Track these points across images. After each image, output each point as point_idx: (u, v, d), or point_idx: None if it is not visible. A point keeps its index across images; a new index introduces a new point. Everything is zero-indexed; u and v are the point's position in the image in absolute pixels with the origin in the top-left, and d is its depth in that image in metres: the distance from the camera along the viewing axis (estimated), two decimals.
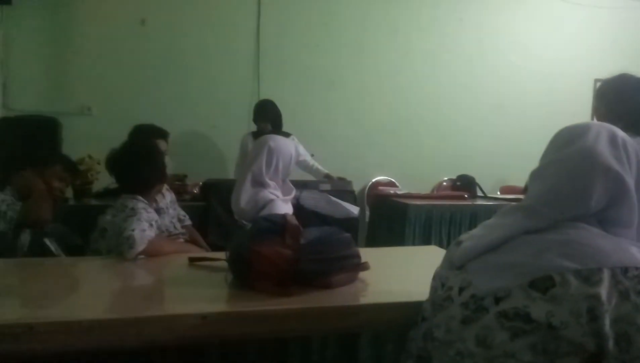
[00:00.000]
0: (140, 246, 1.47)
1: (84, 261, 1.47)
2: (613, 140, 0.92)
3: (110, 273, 1.40)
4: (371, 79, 4.50)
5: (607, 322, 0.75)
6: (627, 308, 0.76)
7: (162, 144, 2.41)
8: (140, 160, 1.85)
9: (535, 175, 0.99)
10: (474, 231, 1.02)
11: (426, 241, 3.17)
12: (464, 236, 1.04)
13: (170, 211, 2.39)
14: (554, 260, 0.81)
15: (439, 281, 1.02)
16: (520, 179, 4.34)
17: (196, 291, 1.20)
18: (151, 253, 1.50)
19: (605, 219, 0.88)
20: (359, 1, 4.42)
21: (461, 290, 0.92)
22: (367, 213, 4.14)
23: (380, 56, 4.51)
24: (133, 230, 1.48)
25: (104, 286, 1.34)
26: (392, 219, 3.38)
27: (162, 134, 2.45)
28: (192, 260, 1.48)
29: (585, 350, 0.75)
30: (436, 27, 4.64)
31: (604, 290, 0.76)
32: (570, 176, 0.90)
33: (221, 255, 1.41)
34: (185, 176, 3.10)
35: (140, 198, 1.75)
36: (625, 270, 0.78)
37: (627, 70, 2.11)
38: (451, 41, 4.68)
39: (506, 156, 4.80)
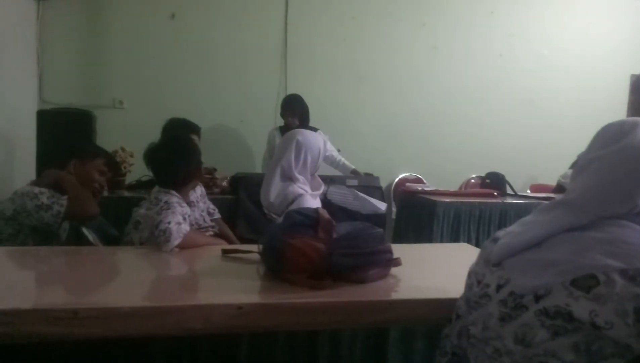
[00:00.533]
0: (177, 240, 1.50)
1: (121, 250, 1.51)
2: None
3: (147, 262, 1.43)
4: (399, 74, 4.46)
5: None
6: None
7: (194, 139, 2.44)
8: (177, 156, 1.88)
9: (578, 171, 0.96)
10: (511, 228, 1.00)
11: (454, 239, 3.13)
12: (500, 233, 1.03)
13: (200, 204, 2.42)
14: (598, 258, 0.79)
15: (475, 278, 1.01)
16: (550, 178, 4.25)
17: (231, 282, 1.23)
18: (185, 245, 1.53)
19: None
20: None
21: (499, 287, 0.91)
22: (394, 209, 4.11)
23: (409, 50, 4.46)
24: (169, 223, 1.51)
25: (141, 275, 1.37)
26: (419, 216, 3.35)
27: (194, 128, 2.48)
28: (225, 252, 1.50)
29: (631, 351, 0.73)
30: (466, 20, 4.56)
31: None
32: (615, 174, 0.88)
33: (253, 247, 1.43)
34: (215, 169, 3.13)
35: (174, 192, 1.78)
36: None
37: None
38: (481, 35, 4.59)
39: (537, 154, 4.70)
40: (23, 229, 1.87)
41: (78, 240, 1.72)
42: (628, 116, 2.14)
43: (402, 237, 3.53)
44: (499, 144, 4.64)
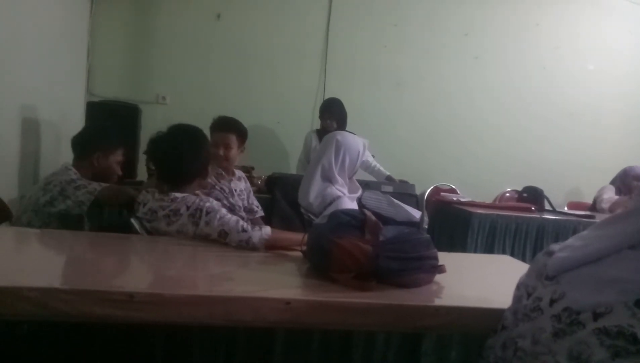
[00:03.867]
0: (261, 244, 1.53)
1: (166, 240, 1.55)
2: None
3: (193, 253, 1.46)
4: (438, 82, 4.43)
5: None
6: None
7: (221, 137, 2.42)
8: (179, 151, 1.70)
9: None
10: (569, 242, 0.98)
11: (489, 252, 3.08)
12: (555, 247, 1.01)
13: (237, 198, 2.45)
14: None
15: (524, 290, 0.99)
16: (590, 195, 4.13)
17: (277, 277, 1.24)
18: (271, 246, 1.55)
19: None
20: (430, 3, 4.36)
21: (552, 301, 0.89)
22: (426, 218, 4.07)
23: (449, 59, 4.43)
24: (243, 231, 1.52)
25: (189, 265, 1.41)
26: (454, 226, 3.31)
27: (222, 126, 2.45)
28: (268, 248, 1.53)
29: None
30: (510, 31, 4.49)
31: None
32: None
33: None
34: (252, 168, 3.18)
35: (180, 194, 1.66)
36: None
37: None
38: (526, 46, 4.52)
39: (576, 169, 4.59)
40: (52, 221, 1.95)
41: (125, 230, 1.77)
42: None
43: (435, 247, 3.49)
44: (538, 157, 4.55)
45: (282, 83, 4.20)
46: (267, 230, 1.56)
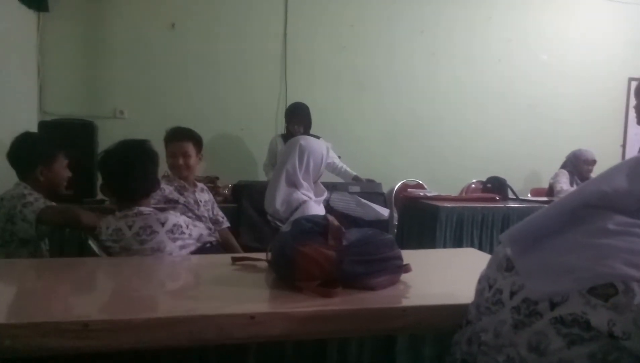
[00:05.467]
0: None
1: (126, 262, 1.50)
2: None
3: (153, 272, 1.42)
4: (399, 80, 4.48)
5: None
6: None
7: (179, 146, 2.39)
8: (129, 166, 1.68)
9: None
10: None
11: (457, 244, 3.13)
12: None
13: (202, 209, 2.41)
14: (617, 267, 0.78)
15: (486, 283, 1.00)
16: (548, 180, 4.27)
17: (241, 291, 1.22)
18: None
19: None
20: (386, 2, 4.41)
21: (512, 293, 0.90)
22: (395, 215, 4.11)
23: (408, 57, 4.48)
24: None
25: (150, 285, 1.36)
26: (422, 221, 3.35)
27: (180, 135, 2.41)
28: (234, 260, 1.50)
29: None
30: (464, 27, 4.59)
31: None
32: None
33: (261, 255, 1.42)
34: (217, 178, 3.13)
35: (149, 209, 1.65)
36: None
37: None
38: (479, 41, 4.62)
39: (537, 157, 4.72)
40: (14, 240, 1.89)
41: (83, 251, 1.71)
42: (637, 118, 2.15)
43: (404, 243, 3.52)
44: (499, 148, 4.66)
45: (243, 89, 4.16)
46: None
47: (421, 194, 3.71)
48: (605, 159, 3.92)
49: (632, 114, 4.12)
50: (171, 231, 1.54)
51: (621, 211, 0.88)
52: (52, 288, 1.27)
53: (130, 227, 1.57)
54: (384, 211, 3.05)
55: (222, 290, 1.25)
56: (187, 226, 1.57)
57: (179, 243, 1.54)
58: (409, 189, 4.14)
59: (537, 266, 0.89)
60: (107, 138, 3.51)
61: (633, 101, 2.18)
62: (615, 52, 4.89)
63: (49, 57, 3.81)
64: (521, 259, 0.93)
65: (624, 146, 5.05)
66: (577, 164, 4.00)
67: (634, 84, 4.83)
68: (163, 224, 1.56)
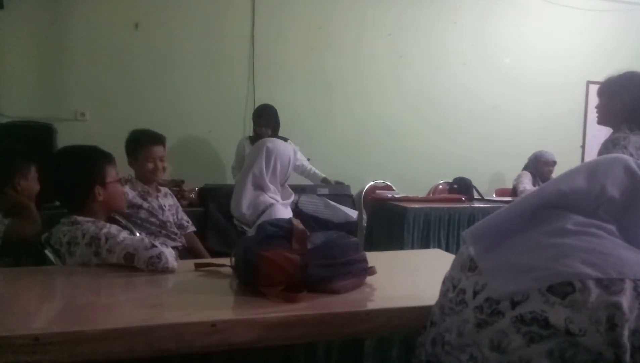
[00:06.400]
0: (173, 258, 1.44)
1: (83, 271, 1.44)
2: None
3: (111, 280, 1.37)
4: (367, 82, 4.51)
5: (626, 332, 0.73)
6: None
7: (159, 150, 2.38)
8: (56, 168, 1.63)
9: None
10: None
11: (425, 244, 3.17)
12: None
13: (167, 214, 2.36)
14: (575, 265, 0.80)
15: (450, 284, 1.01)
16: (512, 180, 4.37)
17: (203, 299, 1.19)
18: None
19: (626, 228, 0.88)
20: (354, 5, 4.43)
21: (475, 293, 0.90)
22: (364, 216, 4.13)
23: (376, 59, 4.52)
24: (152, 247, 1.42)
25: (107, 294, 1.31)
26: (390, 222, 3.38)
27: (158, 139, 2.41)
28: (197, 266, 1.46)
29: (603, 359, 0.74)
30: (431, 30, 4.66)
31: (625, 300, 0.75)
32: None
33: (226, 260, 1.39)
34: (182, 181, 3.07)
35: (82, 218, 1.55)
36: None
37: (618, 72, 2.16)
38: (446, 44, 4.70)
39: (501, 158, 4.83)
40: None
41: (40, 262, 1.64)
42: (597, 118, 2.23)
43: (373, 244, 3.54)
44: (465, 150, 4.75)
45: (210, 91, 4.10)
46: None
47: (389, 195, 3.75)
48: (566, 160, 4.06)
49: (591, 115, 4.28)
50: (89, 244, 1.47)
51: (579, 211, 0.90)
52: (1, 300, 1.21)
53: (64, 235, 1.52)
54: (353, 213, 3.06)
55: (183, 297, 1.21)
56: (107, 240, 1.46)
57: (102, 257, 1.46)
58: (377, 191, 4.17)
59: (499, 266, 0.90)
60: (67, 141, 3.40)
61: (595, 101, 2.26)
62: (574, 57, 5.07)
63: (5, 56, 3.65)
64: (484, 259, 0.94)
65: (583, 146, 5.23)
66: (538, 166, 4.12)
67: (592, 87, 5.02)
68: (84, 235, 1.48)
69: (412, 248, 3.12)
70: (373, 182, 4.55)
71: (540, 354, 0.77)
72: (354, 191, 4.26)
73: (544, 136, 4.80)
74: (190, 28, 4.02)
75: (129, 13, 3.89)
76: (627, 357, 0.73)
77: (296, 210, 2.94)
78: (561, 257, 0.83)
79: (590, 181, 0.92)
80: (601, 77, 2.25)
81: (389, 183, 4.56)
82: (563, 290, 0.78)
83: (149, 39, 3.93)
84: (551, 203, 0.93)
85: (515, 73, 4.92)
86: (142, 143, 2.34)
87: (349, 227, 3.02)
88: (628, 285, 0.77)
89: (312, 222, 2.92)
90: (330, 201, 3.06)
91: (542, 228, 0.91)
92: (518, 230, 0.93)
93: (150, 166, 2.34)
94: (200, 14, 4.04)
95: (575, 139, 5.23)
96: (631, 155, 1.92)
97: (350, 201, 3.31)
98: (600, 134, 2.16)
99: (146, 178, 2.36)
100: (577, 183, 0.93)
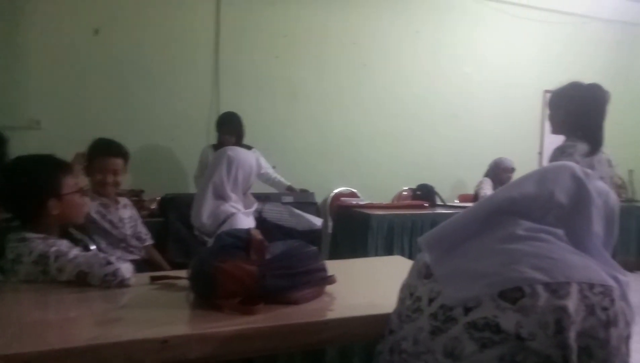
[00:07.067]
0: (130, 274, 1.39)
1: (35, 286, 1.37)
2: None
3: (60, 297, 1.31)
4: (332, 90, 4.53)
5: (572, 334, 0.75)
6: (592, 322, 0.77)
7: (113, 163, 2.26)
8: (7, 179, 1.53)
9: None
10: None
11: (389, 251, 3.19)
12: None
13: (126, 226, 2.29)
14: (524, 271, 0.81)
15: (407, 291, 1.01)
16: (473, 186, 4.48)
17: (156, 314, 1.15)
18: None
19: (573, 233, 0.90)
20: (318, 14, 4.45)
21: (430, 300, 0.91)
22: (330, 224, 4.13)
23: (340, 67, 4.55)
24: (108, 263, 1.36)
25: (60, 311, 1.25)
26: (354, 230, 3.39)
27: (114, 151, 2.28)
28: (153, 279, 1.42)
29: (552, 361, 0.75)
30: (394, 39, 4.73)
31: (571, 303, 0.77)
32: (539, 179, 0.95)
33: (183, 273, 1.35)
34: (142, 191, 2.99)
35: (31, 235, 1.46)
36: (591, 286, 0.80)
37: (569, 82, 2.24)
38: (408, 53, 4.79)
39: (463, 165, 4.94)
40: None
41: None
42: (550, 128, 2.32)
43: (338, 252, 3.55)
44: (428, 156, 4.83)
45: (173, 98, 4.02)
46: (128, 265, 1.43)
47: (354, 202, 3.76)
48: (524, 166, 4.15)
49: (548, 124, 4.43)
50: (36, 262, 1.40)
51: (529, 216, 0.92)
52: None
53: (11, 253, 1.43)
54: (317, 221, 3.05)
55: (135, 313, 1.17)
56: (57, 258, 1.39)
57: (51, 275, 1.40)
58: (342, 198, 4.18)
59: (453, 272, 0.91)
60: (21, 150, 3.23)
61: (547, 112, 2.35)
62: (531, 67, 5.26)
63: None
64: (438, 266, 0.95)
65: (541, 153, 5.41)
66: (497, 172, 4.23)
67: (548, 96, 5.21)
68: (31, 253, 1.41)
69: (377, 254, 3.14)
70: (338, 189, 4.56)
71: (492, 359, 0.78)
72: (319, 199, 4.27)
73: (503, 143, 4.94)
74: (152, 35, 3.94)
75: (89, 18, 3.78)
76: (574, 358, 0.75)
77: (260, 219, 2.91)
78: (512, 263, 0.84)
79: (540, 188, 0.94)
80: (556, 86, 2.33)
81: (354, 190, 4.58)
82: (513, 295, 0.80)
83: (109, 45, 3.82)
84: (503, 209, 0.94)
85: (475, 82, 5.06)
86: (94, 153, 2.25)
87: (313, 235, 3.01)
88: (574, 289, 0.79)
89: (276, 230, 2.90)
90: (295, 209, 3.04)
91: (494, 234, 0.92)
92: (471, 236, 0.95)
93: (99, 177, 2.23)
94: (164, 21, 3.96)
95: (533, 146, 5.41)
96: (577, 163, 2.00)
97: (315, 209, 3.31)
98: (557, 141, 2.23)
99: (96, 190, 2.26)
100: (527, 189, 0.95)
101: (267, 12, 4.28)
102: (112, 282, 1.36)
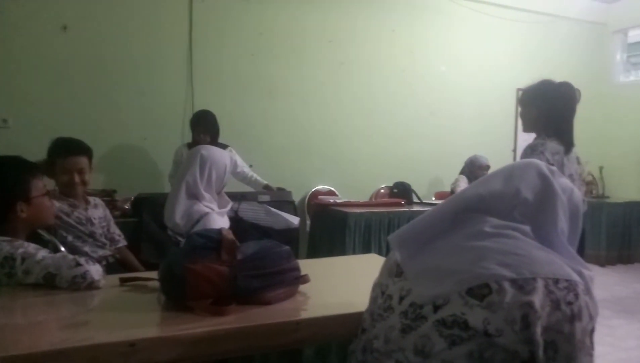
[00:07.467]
0: (100, 275, 1.36)
1: (2, 290, 1.33)
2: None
3: (33, 300, 1.27)
4: (309, 88, 4.52)
5: (538, 329, 0.76)
6: (557, 317, 0.78)
7: (78, 162, 2.18)
8: None
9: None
10: None
11: (366, 249, 3.21)
12: None
13: (96, 226, 2.23)
14: (491, 267, 0.82)
15: (379, 290, 1.01)
16: (450, 184, 4.53)
17: (125, 316, 1.12)
18: None
19: (539, 228, 0.91)
20: (294, 12, 4.43)
21: (401, 298, 0.91)
22: (308, 222, 4.13)
23: (317, 65, 4.54)
24: (77, 265, 1.33)
25: (27, 315, 1.21)
26: (332, 228, 3.39)
27: (78, 149, 2.20)
28: (123, 281, 1.39)
29: (519, 357, 0.76)
30: (371, 37, 4.75)
31: (537, 299, 0.77)
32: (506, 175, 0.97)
33: (154, 274, 1.33)
34: (114, 191, 2.92)
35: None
36: (556, 281, 0.81)
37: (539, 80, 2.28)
38: (385, 52, 4.81)
39: (439, 163, 5.00)
40: None
41: None
42: (522, 126, 2.36)
43: (316, 250, 3.54)
44: (405, 154, 4.87)
45: (146, 96, 3.94)
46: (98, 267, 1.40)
47: (331, 201, 3.76)
48: (499, 163, 4.16)
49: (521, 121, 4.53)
50: (2, 264, 1.36)
51: (496, 213, 0.93)
52: None
53: None
54: (294, 220, 3.04)
55: (103, 316, 1.14)
56: (24, 260, 1.35)
57: (17, 278, 1.36)
58: (320, 196, 4.18)
59: (423, 271, 0.92)
60: None
61: (519, 110, 2.39)
62: (505, 65, 5.35)
63: None
64: (409, 263, 0.95)
65: (515, 151, 5.51)
66: (473, 170, 4.29)
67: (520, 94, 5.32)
68: None
69: (354, 253, 3.14)
70: (316, 188, 4.56)
71: (461, 356, 0.78)
72: (297, 198, 4.26)
73: (478, 141, 5.01)
74: (124, 31, 3.85)
75: (57, 15, 3.67)
76: (541, 353, 0.76)
77: (236, 218, 2.88)
78: (479, 260, 0.85)
79: (506, 185, 0.95)
80: (528, 84, 2.36)
81: (332, 189, 4.59)
82: (481, 292, 0.80)
83: (78, 42, 3.72)
84: (471, 207, 0.95)
85: (451, 80, 5.12)
86: (56, 153, 2.17)
87: (290, 234, 3.00)
88: (540, 284, 0.80)
89: (253, 230, 2.88)
90: (272, 208, 3.02)
91: (463, 232, 0.93)
92: (441, 234, 0.95)
93: (65, 178, 2.16)
94: (135, 17, 3.88)
95: (507, 143, 5.51)
96: (548, 160, 2.03)
97: (292, 208, 3.29)
98: (530, 138, 2.27)
99: (63, 191, 2.19)
100: (494, 186, 0.96)
101: (241, 9, 4.24)
102: (81, 284, 1.33)
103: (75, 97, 3.71)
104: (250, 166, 3.80)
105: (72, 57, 3.71)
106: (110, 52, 3.81)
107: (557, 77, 2.28)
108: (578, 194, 0.98)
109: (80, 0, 3.74)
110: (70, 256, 1.40)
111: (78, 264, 1.34)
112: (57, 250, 1.58)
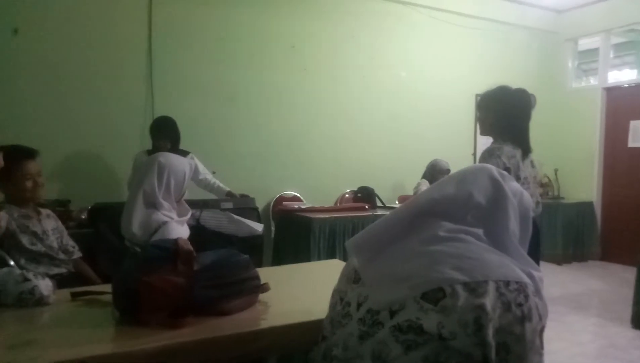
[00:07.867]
0: (50, 291, 1.30)
1: None
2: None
3: None
4: (271, 94, 4.50)
5: (490, 331, 0.77)
6: (508, 318, 0.80)
7: (35, 166, 2.11)
8: None
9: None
10: None
11: (331, 254, 3.21)
12: None
13: (51, 238, 2.14)
14: (445, 271, 0.83)
15: (338, 296, 1.01)
16: (412, 187, 4.61)
17: (76, 333, 1.07)
18: None
19: (491, 232, 0.93)
20: (256, 17, 4.41)
21: (359, 305, 0.91)
22: (273, 229, 4.10)
23: (279, 71, 4.53)
24: (25, 280, 1.27)
25: None
26: (297, 234, 3.38)
27: (32, 153, 2.12)
28: (74, 296, 1.33)
29: (472, 359, 0.77)
30: (333, 43, 4.78)
31: (488, 301, 0.79)
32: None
33: (108, 287, 1.28)
34: (69, 201, 2.81)
35: None
36: (507, 283, 0.82)
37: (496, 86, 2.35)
38: (347, 58, 4.84)
39: (401, 167, 5.07)
40: None
41: None
42: (480, 130, 2.42)
43: (281, 257, 3.52)
44: (368, 159, 4.91)
45: (103, 102, 3.81)
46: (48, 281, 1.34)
47: (296, 206, 3.75)
48: (459, 167, 4.25)
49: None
50: None
51: (450, 217, 0.94)
52: None
53: None
54: (258, 227, 3.01)
55: (52, 333, 1.09)
56: None
57: None
58: (284, 202, 4.16)
59: (379, 276, 0.92)
60: None
61: (477, 114, 2.45)
62: (463, 71, 5.50)
63: None
64: (366, 269, 0.95)
65: (474, 154, 5.66)
66: (434, 173, 4.37)
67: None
68: None
69: (319, 258, 3.14)
70: (281, 193, 4.53)
71: (417, 361, 0.79)
72: (262, 203, 4.22)
73: (439, 145, 5.12)
74: (79, 35, 3.72)
75: (7, 17, 3.52)
76: (493, 354, 0.78)
77: (198, 226, 2.83)
78: (434, 264, 0.86)
79: (459, 189, 0.97)
80: (485, 89, 2.42)
81: (297, 194, 4.57)
82: (435, 296, 0.81)
83: (30, 46, 3.57)
84: (425, 211, 0.96)
85: (411, 86, 5.21)
86: (14, 159, 2.08)
87: (254, 241, 2.97)
88: (491, 287, 0.81)
89: (215, 238, 2.83)
90: (235, 216, 2.98)
91: (418, 236, 0.94)
92: (397, 239, 0.96)
93: (29, 184, 2.08)
94: (92, 21, 3.76)
95: (467, 147, 5.65)
96: (504, 163, 2.09)
97: (256, 214, 3.26)
98: (489, 142, 2.32)
99: (23, 198, 2.10)
100: (447, 190, 0.98)
101: (202, 13, 4.18)
102: (29, 301, 1.27)
103: (28, 103, 3.55)
104: (214, 173, 3.74)
105: (25, 62, 3.55)
106: (64, 56, 3.67)
107: (513, 84, 2.35)
108: (528, 197, 1.01)
109: (34, 3, 3.59)
110: (18, 271, 1.33)
111: (26, 279, 1.28)
112: (7, 264, 1.51)
